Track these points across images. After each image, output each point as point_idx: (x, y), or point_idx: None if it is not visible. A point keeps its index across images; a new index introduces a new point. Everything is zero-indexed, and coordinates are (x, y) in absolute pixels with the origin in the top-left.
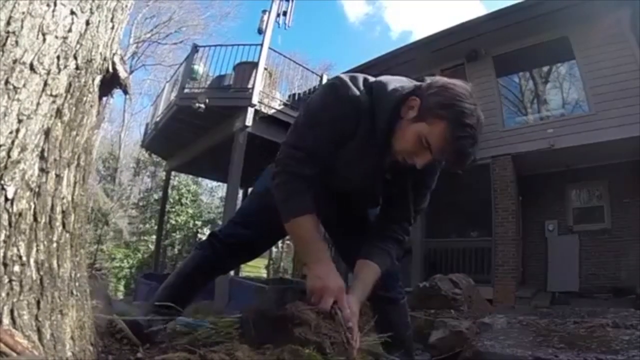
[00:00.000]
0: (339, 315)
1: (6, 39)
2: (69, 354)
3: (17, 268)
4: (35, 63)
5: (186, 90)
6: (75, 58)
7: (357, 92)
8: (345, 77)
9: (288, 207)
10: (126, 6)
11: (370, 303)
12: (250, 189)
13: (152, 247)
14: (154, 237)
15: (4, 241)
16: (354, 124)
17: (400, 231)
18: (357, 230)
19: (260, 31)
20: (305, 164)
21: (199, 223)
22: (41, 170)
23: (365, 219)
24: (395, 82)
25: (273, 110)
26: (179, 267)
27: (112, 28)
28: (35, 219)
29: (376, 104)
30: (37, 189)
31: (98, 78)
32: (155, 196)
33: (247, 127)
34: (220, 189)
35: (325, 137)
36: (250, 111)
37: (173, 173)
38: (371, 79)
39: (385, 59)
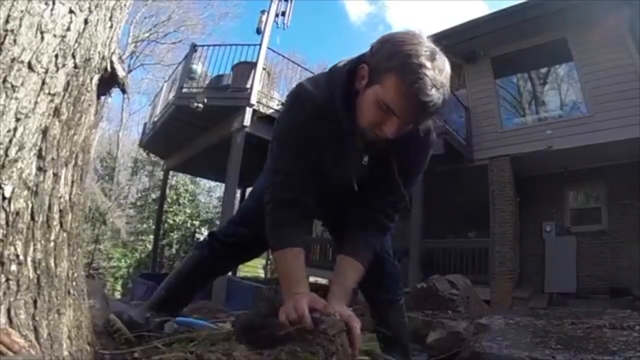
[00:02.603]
0: (327, 315)
1: (4, 38)
2: (66, 353)
3: (14, 267)
4: (33, 62)
5: (184, 90)
6: (74, 57)
7: (317, 92)
8: (305, 82)
9: (271, 239)
10: (125, 5)
11: (369, 304)
12: (248, 189)
13: (149, 246)
14: (152, 236)
15: (1, 240)
16: (323, 124)
17: (382, 215)
18: None
19: (259, 31)
20: (286, 188)
21: (196, 223)
22: (39, 169)
23: None
24: (346, 59)
25: (271, 110)
26: (178, 267)
27: (111, 27)
28: (32, 218)
29: (333, 90)
30: (34, 188)
31: (96, 77)
32: (153, 196)
33: (245, 127)
34: (218, 188)
35: (300, 152)
36: (249, 111)
37: (171, 173)
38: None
39: None
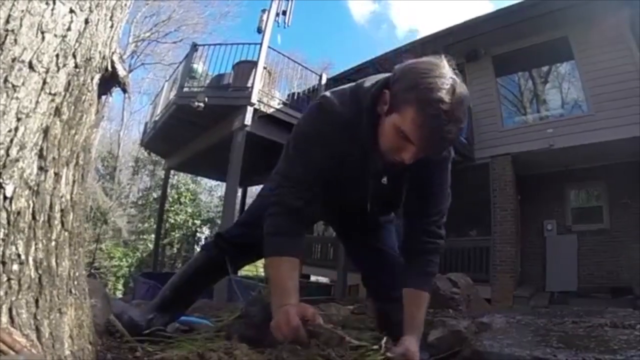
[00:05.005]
0: (321, 326)
1: (5, 37)
2: (68, 352)
3: (15, 267)
4: (34, 61)
5: (185, 89)
6: (74, 56)
7: (342, 108)
8: (330, 95)
9: (269, 244)
10: (125, 5)
11: (373, 301)
12: (249, 188)
13: (151, 246)
14: (153, 236)
15: (3, 239)
16: (345, 140)
17: (432, 238)
18: (364, 232)
19: (260, 30)
20: (294, 195)
21: (197, 222)
22: (40, 168)
23: (373, 221)
24: (372, 79)
25: (272, 110)
26: (183, 268)
27: (111, 26)
28: (33, 218)
29: (360, 111)
30: (35, 188)
31: (97, 77)
32: (154, 195)
33: (246, 126)
34: (220, 188)
35: (316, 163)
36: (250, 110)
37: (172, 172)
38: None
39: (383, 59)
